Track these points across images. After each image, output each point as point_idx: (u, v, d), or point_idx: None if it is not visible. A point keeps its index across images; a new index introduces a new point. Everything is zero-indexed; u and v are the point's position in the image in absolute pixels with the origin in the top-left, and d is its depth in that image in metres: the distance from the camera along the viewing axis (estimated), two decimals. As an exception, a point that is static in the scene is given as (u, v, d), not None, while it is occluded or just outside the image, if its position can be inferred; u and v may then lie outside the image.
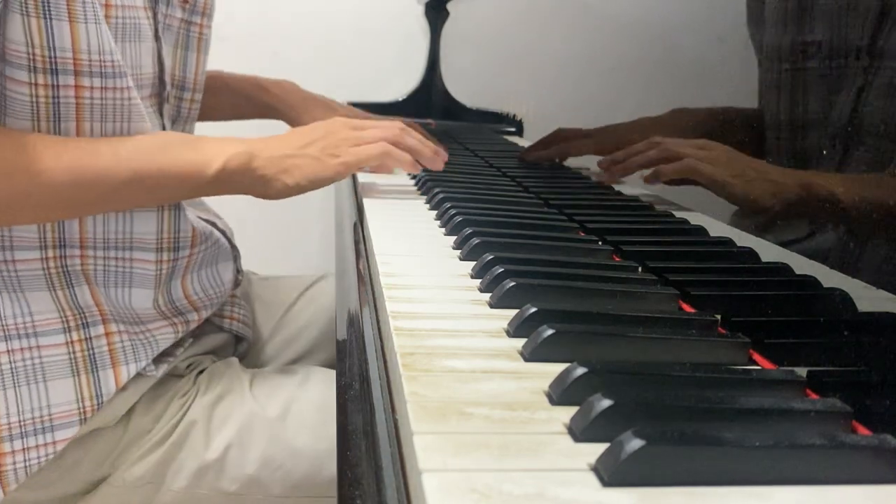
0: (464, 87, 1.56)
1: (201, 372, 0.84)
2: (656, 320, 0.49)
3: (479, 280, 0.56)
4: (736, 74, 0.67)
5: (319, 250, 1.77)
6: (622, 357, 0.44)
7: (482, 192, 0.87)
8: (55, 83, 0.67)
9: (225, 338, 0.92)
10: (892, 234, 0.45)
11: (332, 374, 0.86)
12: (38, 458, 0.71)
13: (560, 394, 0.38)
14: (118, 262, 0.76)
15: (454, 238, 0.68)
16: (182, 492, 0.78)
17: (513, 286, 0.52)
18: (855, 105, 0.50)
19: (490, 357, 0.43)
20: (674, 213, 0.75)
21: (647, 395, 0.37)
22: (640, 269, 0.62)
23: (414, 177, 0.97)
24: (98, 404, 0.74)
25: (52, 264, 0.73)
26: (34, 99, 0.67)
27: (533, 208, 0.83)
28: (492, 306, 0.52)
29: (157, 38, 0.78)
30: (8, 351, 0.70)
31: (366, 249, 0.69)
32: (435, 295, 0.53)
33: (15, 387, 0.70)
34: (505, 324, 0.48)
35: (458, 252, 0.65)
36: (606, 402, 0.35)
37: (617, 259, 0.65)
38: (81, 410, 0.73)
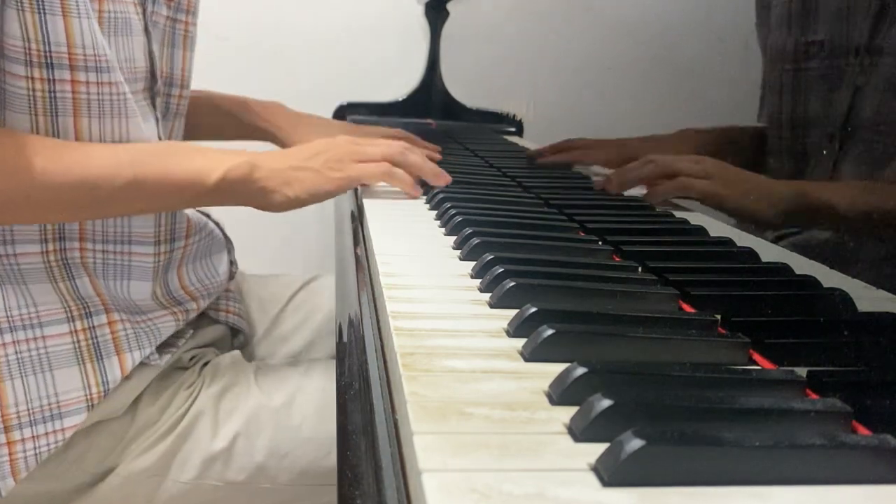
0: (464, 87, 1.56)
1: (205, 365, 0.85)
2: (656, 320, 0.49)
3: (479, 280, 0.56)
4: (735, 74, 0.68)
5: (317, 250, 1.77)
6: (622, 357, 0.44)
7: (482, 192, 0.87)
8: (51, 77, 0.68)
9: (222, 330, 0.93)
10: (888, 237, 0.45)
11: (333, 364, 0.87)
12: (48, 445, 0.72)
13: (560, 394, 0.38)
14: (116, 256, 0.77)
15: (454, 238, 0.68)
16: (190, 483, 0.78)
17: (513, 286, 0.52)
18: (852, 102, 0.50)
19: (490, 357, 0.43)
20: (674, 213, 0.76)
21: (647, 395, 0.37)
22: (640, 269, 0.62)
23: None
24: (105, 391, 0.74)
25: (52, 258, 0.74)
26: (31, 93, 0.68)
27: (533, 208, 0.83)
28: (492, 306, 0.52)
29: (146, 32, 0.79)
30: (14, 342, 0.71)
31: (366, 249, 0.69)
32: (435, 295, 0.53)
33: (22, 376, 0.71)
34: (505, 324, 0.48)
35: (458, 252, 0.65)
36: (606, 402, 0.35)
37: (617, 259, 0.65)
38: (88, 397, 0.74)
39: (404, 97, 1.58)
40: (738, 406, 0.37)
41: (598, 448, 0.33)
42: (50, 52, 0.67)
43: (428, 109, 1.58)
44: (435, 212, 0.80)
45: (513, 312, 0.48)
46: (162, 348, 0.81)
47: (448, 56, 1.56)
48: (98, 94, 0.71)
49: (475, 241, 0.64)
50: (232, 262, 0.93)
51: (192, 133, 0.97)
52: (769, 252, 0.59)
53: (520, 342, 0.45)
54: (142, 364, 0.78)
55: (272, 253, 1.77)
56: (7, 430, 0.70)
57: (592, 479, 0.32)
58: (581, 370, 0.38)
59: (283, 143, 1.05)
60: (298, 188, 0.76)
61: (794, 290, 0.54)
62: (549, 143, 1.07)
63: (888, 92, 0.48)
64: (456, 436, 0.34)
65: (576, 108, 1.06)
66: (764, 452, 0.32)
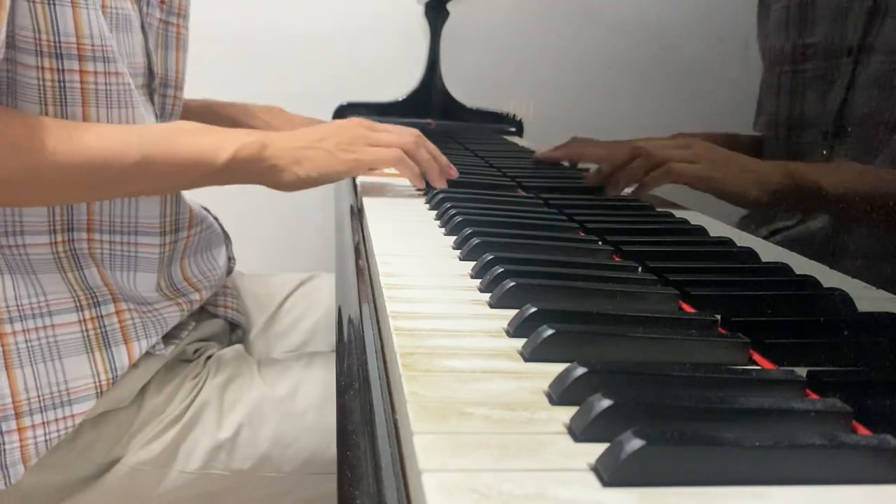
0: (464, 87, 1.56)
1: (209, 358, 0.86)
2: (656, 320, 0.49)
3: (479, 280, 0.56)
4: (736, 74, 0.67)
5: (317, 250, 1.77)
6: (622, 357, 0.44)
7: (482, 192, 0.87)
8: (61, 67, 0.69)
9: (220, 324, 0.94)
10: (874, 221, 0.46)
11: (334, 357, 0.88)
12: (58, 431, 0.73)
13: (560, 394, 0.38)
14: (123, 247, 0.78)
15: (454, 238, 0.68)
16: (195, 473, 0.79)
17: (513, 286, 0.52)
18: (844, 99, 0.51)
19: (490, 357, 0.43)
20: (674, 213, 0.75)
21: (647, 395, 0.37)
22: (640, 269, 0.62)
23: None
24: (113, 378, 0.75)
25: (60, 248, 0.75)
26: (41, 83, 0.69)
27: (533, 208, 0.83)
28: (492, 306, 0.52)
29: (143, 31, 0.80)
30: (24, 330, 0.72)
31: (366, 249, 0.69)
32: (435, 295, 0.53)
33: (32, 364, 0.72)
34: (505, 324, 0.48)
35: (458, 252, 0.65)
36: (606, 402, 0.35)
37: (617, 259, 0.65)
38: (97, 384, 0.75)
39: (404, 97, 1.58)
40: (738, 406, 0.37)
41: (598, 448, 0.33)
42: (59, 42, 0.68)
43: (428, 109, 1.58)
44: (435, 212, 0.80)
45: (513, 312, 0.48)
46: (167, 339, 0.82)
47: (448, 56, 1.56)
48: (105, 84, 0.72)
49: (475, 241, 0.64)
50: (230, 258, 0.94)
51: None
52: (769, 252, 0.59)
53: (520, 342, 0.45)
54: (148, 354, 0.79)
55: (272, 252, 1.77)
56: (18, 416, 0.71)
57: (592, 479, 0.32)
58: (581, 370, 0.38)
59: None
60: (309, 167, 0.77)
61: (794, 290, 0.54)
62: (549, 143, 1.07)
63: (878, 88, 0.49)
64: (456, 436, 0.34)
65: (576, 108, 1.06)
66: (764, 452, 0.32)
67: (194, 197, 0.88)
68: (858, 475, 0.33)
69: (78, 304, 0.75)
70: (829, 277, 0.51)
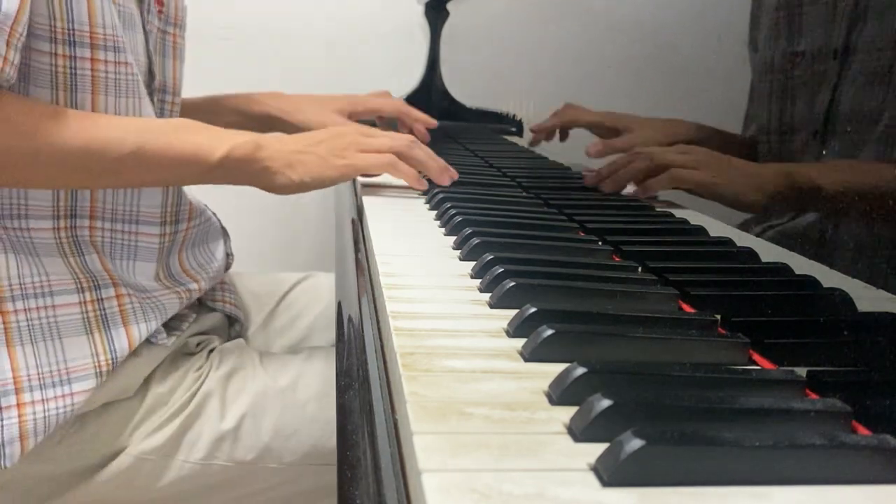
0: (464, 87, 1.56)
1: (212, 351, 0.87)
2: (656, 320, 0.49)
3: (479, 280, 0.56)
4: (734, 72, 0.68)
5: (316, 249, 1.77)
6: (622, 357, 0.44)
7: (482, 192, 0.87)
8: (73, 54, 0.72)
9: (220, 318, 0.95)
10: (872, 215, 0.46)
11: (334, 351, 0.89)
12: (57, 409, 0.73)
13: (560, 394, 0.38)
14: (124, 235, 0.80)
15: (454, 238, 0.68)
16: (199, 463, 0.80)
17: (513, 286, 0.52)
18: (832, 99, 0.53)
19: (490, 357, 0.43)
20: (674, 213, 0.75)
21: (646, 395, 0.37)
22: (640, 269, 0.62)
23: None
24: (112, 360, 0.76)
25: (63, 234, 0.76)
26: (54, 68, 0.71)
27: (533, 208, 0.83)
28: (492, 306, 0.52)
29: (144, 32, 0.82)
30: (25, 309, 0.73)
31: (366, 249, 0.69)
32: (435, 295, 0.53)
33: (32, 342, 0.73)
34: (505, 324, 0.48)
35: (458, 252, 0.65)
36: (606, 402, 0.35)
37: (617, 259, 0.65)
38: (97, 365, 0.75)
39: (404, 97, 1.58)
40: (738, 406, 0.37)
41: (598, 448, 0.33)
42: (73, 30, 0.71)
43: (428, 109, 1.57)
44: (435, 212, 0.80)
45: (513, 312, 0.48)
46: (169, 330, 0.83)
47: (448, 56, 1.56)
48: (115, 73, 0.74)
49: (475, 241, 0.64)
50: (228, 254, 0.95)
51: None
52: (769, 252, 0.59)
53: (520, 342, 0.45)
54: (151, 344, 0.81)
55: (270, 252, 1.77)
56: (18, 391, 0.72)
57: (592, 479, 0.32)
58: (581, 370, 0.38)
59: (286, 128, 1.07)
60: (302, 171, 0.78)
61: (794, 290, 0.54)
62: (550, 142, 1.08)
63: (862, 86, 0.50)
64: (456, 436, 0.34)
65: (576, 107, 1.06)
66: (764, 452, 0.32)
67: (194, 192, 0.89)
68: (858, 475, 0.33)
69: (79, 286, 0.76)
70: (829, 277, 0.51)
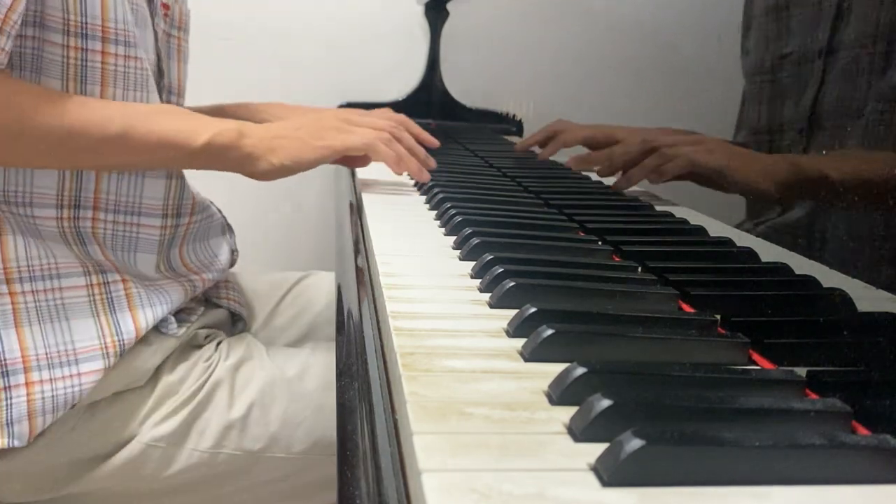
0: (464, 87, 1.56)
1: (220, 343, 0.89)
2: (656, 320, 0.49)
3: (479, 280, 0.56)
4: (734, 73, 0.68)
5: (316, 249, 1.77)
6: (622, 357, 0.44)
7: (482, 192, 0.87)
8: (85, 47, 0.74)
9: (224, 314, 0.96)
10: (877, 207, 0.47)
11: None
12: (65, 389, 0.74)
13: (560, 394, 0.38)
14: (126, 227, 0.81)
15: (454, 238, 0.68)
16: (208, 451, 0.81)
17: (512, 286, 0.52)
18: (816, 96, 0.54)
19: (490, 357, 0.43)
20: (674, 213, 0.75)
21: (646, 395, 0.37)
22: (639, 269, 0.62)
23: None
24: (119, 342, 0.77)
25: (66, 224, 0.78)
26: (65, 60, 0.74)
27: (533, 208, 0.83)
28: (492, 306, 0.52)
29: (154, 31, 0.83)
30: (33, 291, 0.75)
31: (366, 249, 0.69)
32: (435, 295, 0.53)
33: (40, 323, 0.75)
34: (505, 324, 0.48)
35: (458, 252, 0.65)
36: (606, 402, 0.35)
37: (617, 259, 0.65)
38: (103, 346, 0.77)
39: (404, 97, 1.58)
40: (738, 406, 0.37)
41: (598, 448, 0.33)
42: (86, 23, 0.73)
43: (428, 109, 1.58)
44: (435, 212, 0.80)
45: (513, 312, 0.48)
46: (178, 321, 0.85)
47: (448, 56, 1.56)
48: (125, 66, 0.76)
49: (475, 241, 0.64)
50: (233, 250, 0.96)
51: None
52: (769, 252, 0.59)
53: (520, 342, 0.45)
54: (161, 334, 0.82)
55: (271, 252, 1.77)
56: (26, 370, 0.74)
57: (592, 479, 0.32)
58: (581, 370, 0.38)
59: None
60: (283, 155, 0.80)
61: (794, 290, 0.54)
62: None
63: (843, 82, 0.52)
64: (456, 436, 0.34)
65: (575, 107, 1.06)
66: (764, 452, 0.32)
67: (200, 188, 0.90)
68: (858, 475, 0.33)
69: (86, 269, 0.78)
70: (829, 277, 0.51)
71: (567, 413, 0.37)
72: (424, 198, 0.87)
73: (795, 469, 0.32)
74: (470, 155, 1.20)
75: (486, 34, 1.50)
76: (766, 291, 0.55)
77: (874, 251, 0.48)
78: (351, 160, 0.90)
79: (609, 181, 0.88)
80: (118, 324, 0.78)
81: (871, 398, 0.39)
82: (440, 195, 0.81)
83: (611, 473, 0.31)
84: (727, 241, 0.65)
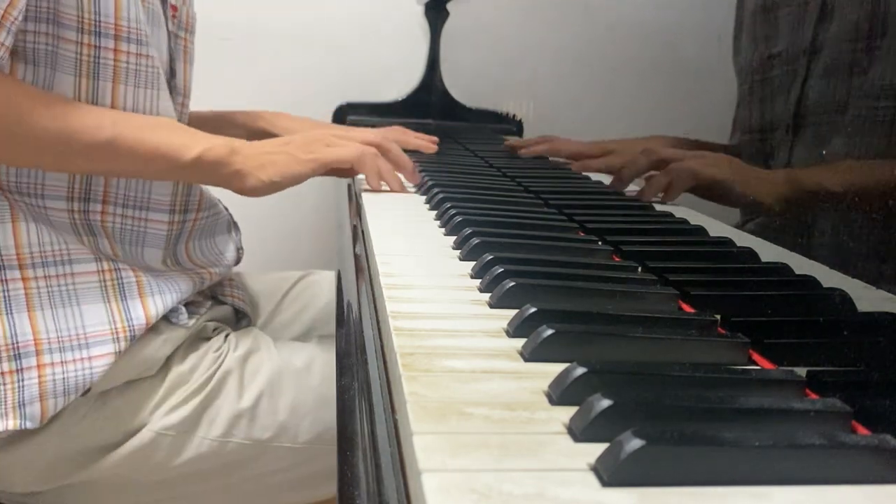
0: (464, 87, 1.56)
1: (228, 335, 0.91)
2: (656, 320, 0.49)
3: (479, 280, 0.56)
4: (734, 73, 0.68)
5: (317, 249, 1.77)
6: (622, 357, 0.44)
7: (482, 192, 0.87)
8: (98, 44, 0.76)
9: (229, 311, 0.97)
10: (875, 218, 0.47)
11: None
12: (76, 372, 0.76)
13: (560, 394, 0.38)
14: (135, 221, 0.83)
15: (454, 238, 0.68)
16: (217, 440, 0.83)
17: (512, 286, 0.52)
18: (801, 93, 0.56)
19: (490, 357, 0.43)
20: (674, 213, 0.75)
21: (646, 395, 0.37)
22: (639, 269, 0.62)
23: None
24: (129, 328, 0.79)
25: (77, 216, 0.80)
26: (78, 56, 0.75)
27: (533, 208, 0.83)
28: (492, 306, 0.52)
29: (167, 31, 0.85)
30: (45, 276, 0.77)
31: (366, 249, 0.69)
32: (435, 295, 0.53)
33: (52, 308, 0.77)
34: (505, 324, 0.48)
35: (457, 252, 0.65)
36: (606, 402, 0.35)
37: (617, 259, 0.65)
38: (114, 331, 0.78)
39: (404, 97, 1.58)
40: (738, 406, 0.37)
41: (598, 448, 0.32)
42: (99, 21, 0.75)
43: (428, 109, 1.58)
44: (435, 212, 0.80)
45: (513, 312, 0.48)
46: (188, 313, 0.86)
47: (448, 56, 1.56)
48: (136, 64, 0.78)
49: (475, 241, 0.64)
50: (239, 248, 0.98)
51: None
52: (769, 252, 0.59)
53: (520, 342, 0.45)
54: (171, 324, 0.84)
55: (272, 252, 1.77)
56: (38, 353, 0.75)
57: (592, 479, 0.32)
58: (581, 370, 0.38)
59: None
60: (272, 171, 0.81)
61: (794, 290, 0.54)
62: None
63: (827, 78, 0.53)
64: (456, 436, 0.34)
65: (575, 107, 1.07)
66: (764, 452, 0.32)
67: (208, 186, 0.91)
68: (858, 475, 0.33)
69: (97, 257, 0.79)
70: (829, 277, 0.51)
71: (567, 413, 0.37)
72: (424, 198, 0.87)
73: (795, 469, 0.32)
74: (470, 155, 1.20)
75: (486, 34, 1.50)
76: (766, 291, 0.55)
77: (874, 251, 0.48)
78: (339, 172, 0.92)
79: (608, 181, 0.88)
80: (128, 310, 0.79)
81: (871, 398, 0.39)
82: (440, 195, 0.81)
83: (611, 473, 0.31)
84: (727, 241, 0.65)
